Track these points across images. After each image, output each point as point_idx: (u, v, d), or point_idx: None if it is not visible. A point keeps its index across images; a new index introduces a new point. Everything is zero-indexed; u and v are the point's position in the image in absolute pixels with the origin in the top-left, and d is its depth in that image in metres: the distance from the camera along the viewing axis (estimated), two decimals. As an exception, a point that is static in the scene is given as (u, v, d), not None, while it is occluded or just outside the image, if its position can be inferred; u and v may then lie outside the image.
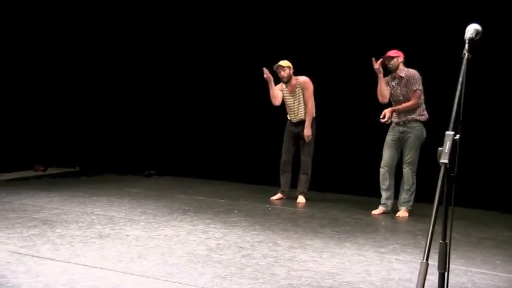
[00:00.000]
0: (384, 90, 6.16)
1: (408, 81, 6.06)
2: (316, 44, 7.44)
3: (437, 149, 2.35)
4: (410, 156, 6.11)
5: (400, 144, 6.20)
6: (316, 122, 6.80)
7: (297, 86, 6.75)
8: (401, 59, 6.11)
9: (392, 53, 6.10)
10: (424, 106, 6.14)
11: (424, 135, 6.13)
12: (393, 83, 6.19)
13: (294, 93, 6.77)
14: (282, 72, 6.72)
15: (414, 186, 6.16)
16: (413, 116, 6.11)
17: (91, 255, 4.25)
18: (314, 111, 6.75)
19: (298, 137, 6.84)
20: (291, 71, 6.74)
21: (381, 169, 6.27)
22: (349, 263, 4.35)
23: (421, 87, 6.05)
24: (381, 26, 7.09)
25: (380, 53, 6.13)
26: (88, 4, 8.85)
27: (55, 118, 9.05)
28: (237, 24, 8.06)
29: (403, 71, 6.10)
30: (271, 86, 6.73)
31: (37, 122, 8.89)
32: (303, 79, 6.75)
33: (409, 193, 6.16)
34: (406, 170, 6.14)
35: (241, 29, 8.04)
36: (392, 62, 6.10)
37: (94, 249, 4.42)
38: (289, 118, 6.90)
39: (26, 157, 8.61)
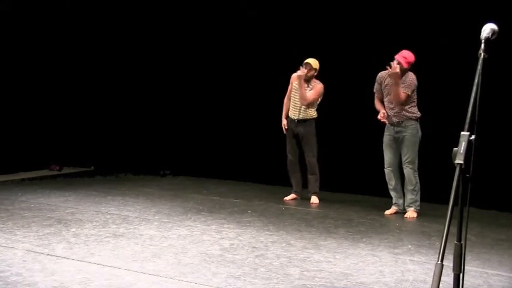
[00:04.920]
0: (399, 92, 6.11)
1: (405, 83, 5.99)
2: (321, 42, 7.39)
3: (452, 149, 2.33)
4: (408, 155, 6.09)
5: (397, 144, 6.17)
6: (320, 122, 6.78)
7: (310, 86, 6.72)
8: (411, 65, 6.03)
9: (409, 58, 5.96)
10: (416, 105, 6.09)
11: (420, 133, 6.11)
12: (390, 81, 6.10)
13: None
14: (307, 71, 6.64)
15: (418, 185, 6.13)
16: (406, 114, 6.06)
17: (105, 255, 4.27)
18: (315, 110, 6.74)
19: (299, 137, 6.82)
20: (315, 74, 6.67)
21: (385, 170, 6.27)
22: (363, 263, 4.33)
23: (410, 92, 5.98)
24: (390, 24, 7.04)
25: (389, 53, 6.07)
26: (101, 3, 8.89)
27: (71, 118, 9.10)
28: (244, 23, 8.05)
29: (405, 75, 6.03)
30: (302, 85, 6.62)
31: (53, 122, 8.94)
32: (319, 84, 6.72)
33: (414, 193, 6.14)
34: (407, 170, 6.12)
35: (246, 26, 8.03)
36: (405, 66, 5.99)
37: (108, 249, 4.44)
38: (290, 115, 6.85)
39: (41, 157, 8.67)
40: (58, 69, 8.96)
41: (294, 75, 6.81)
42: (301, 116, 6.76)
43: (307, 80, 6.70)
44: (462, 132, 2.32)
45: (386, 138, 6.25)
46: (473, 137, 2.32)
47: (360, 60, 7.20)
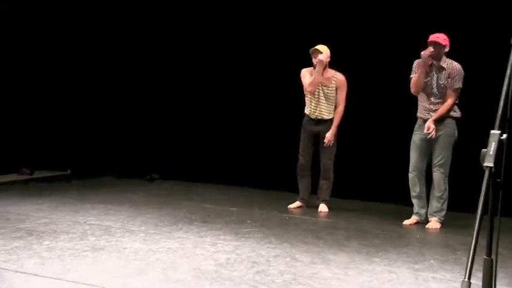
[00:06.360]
0: (422, 82, 6.11)
1: (451, 75, 5.99)
2: (322, 42, 7.42)
3: (480, 150, 2.32)
4: (441, 157, 6.07)
5: (429, 145, 6.15)
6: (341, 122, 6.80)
7: (333, 81, 6.73)
8: (447, 48, 6.05)
9: (441, 39, 5.99)
10: (457, 102, 6.09)
11: (456, 134, 6.10)
12: (429, 73, 6.12)
13: (327, 87, 6.76)
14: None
15: (447, 193, 6.11)
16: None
17: (83, 271, 4.26)
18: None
19: (318, 137, 6.82)
20: (328, 59, 6.71)
21: (409, 174, 6.24)
22: (378, 281, 4.32)
23: (461, 84, 6.01)
24: (398, 21, 7.13)
25: (410, 44, 6.08)
26: (99, 4, 9.00)
27: (43, 115, 9.08)
28: (240, 22, 8.24)
29: (445, 62, 6.05)
30: (319, 71, 6.66)
31: (23, 120, 8.91)
32: (342, 77, 6.77)
33: (441, 201, 6.12)
34: (437, 174, 6.09)
35: (244, 26, 8.22)
36: (437, 51, 5.99)
37: (87, 264, 4.42)
38: (307, 114, 6.87)
39: (10, 159, 8.64)
40: (29, 65, 8.99)
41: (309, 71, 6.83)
42: (322, 115, 6.79)
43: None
44: (492, 131, 2.31)
45: (416, 137, 6.22)
46: (504, 136, 2.31)
47: (368, 58, 7.27)
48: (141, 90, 8.81)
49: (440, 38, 6.01)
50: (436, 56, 6.03)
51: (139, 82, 8.82)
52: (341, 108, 6.76)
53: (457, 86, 6.00)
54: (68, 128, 9.10)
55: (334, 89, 6.76)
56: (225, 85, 8.34)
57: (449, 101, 6.00)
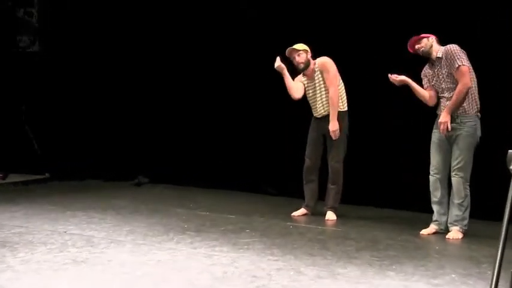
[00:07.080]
0: (424, 94, 6.26)
1: (447, 58, 6.01)
2: (323, 42, 7.52)
3: (507, 152, 2.33)
4: (460, 160, 6.05)
5: (449, 144, 6.15)
6: (349, 117, 6.79)
7: (316, 70, 6.76)
8: (432, 39, 6.12)
9: (419, 36, 6.15)
10: (475, 92, 6.07)
11: (479, 133, 6.06)
12: (430, 71, 6.16)
13: (313, 81, 6.80)
14: (297, 58, 6.79)
15: (468, 199, 6.08)
16: (463, 106, 6.04)
17: (63, 286, 4.26)
18: (341, 100, 6.77)
19: (325, 137, 6.83)
20: (309, 56, 6.79)
21: (430, 177, 6.24)
22: (393, 297, 4.33)
23: (466, 62, 5.97)
24: (411, 12, 7.21)
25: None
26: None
27: (17, 112, 9.09)
28: (240, 22, 8.44)
29: (439, 51, 6.08)
30: (286, 76, 6.79)
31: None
32: (322, 60, 6.79)
33: (462, 209, 6.10)
34: (456, 179, 6.07)
35: (244, 26, 8.42)
36: (422, 44, 6.10)
37: (67, 278, 4.43)
38: (313, 114, 6.90)
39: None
40: (19, 65, 9.12)
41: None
42: (326, 111, 6.81)
43: (304, 68, 6.81)
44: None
45: (435, 137, 6.23)
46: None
47: (369, 58, 7.40)
48: (128, 86, 8.84)
49: (409, 46, 6.22)
50: (425, 51, 6.13)
51: (129, 78, 8.86)
52: (332, 92, 6.69)
53: (458, 65, 5.95)
54: (46, 127, 9.10)
55: (320, 78, 6.80)
56: (223, 84, 8.45)
57: (459, 86, 5.96)
